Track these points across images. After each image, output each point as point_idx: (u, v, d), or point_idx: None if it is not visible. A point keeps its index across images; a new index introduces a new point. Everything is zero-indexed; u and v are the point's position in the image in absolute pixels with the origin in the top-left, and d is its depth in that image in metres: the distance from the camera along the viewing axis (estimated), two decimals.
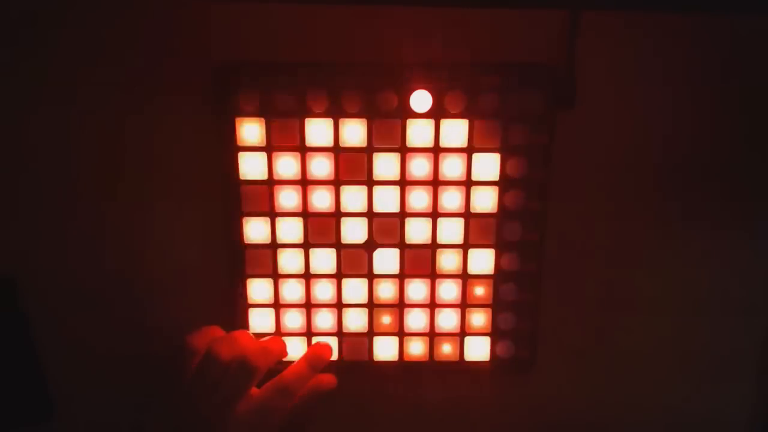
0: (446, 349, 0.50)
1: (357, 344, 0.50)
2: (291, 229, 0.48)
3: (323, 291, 0.49)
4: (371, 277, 0.49)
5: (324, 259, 0.48)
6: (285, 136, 0.46)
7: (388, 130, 0.46)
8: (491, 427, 0.54)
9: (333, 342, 0.50)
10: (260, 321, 0.50)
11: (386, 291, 0.49)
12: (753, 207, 0.50)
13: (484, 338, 0.50)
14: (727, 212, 0.50)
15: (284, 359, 0.47)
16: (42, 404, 0.51)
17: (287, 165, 0.46)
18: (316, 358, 0.48)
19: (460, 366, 0.51)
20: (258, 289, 0.49)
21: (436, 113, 0.45)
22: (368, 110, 0.45)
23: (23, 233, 0.47)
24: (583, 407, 0.54)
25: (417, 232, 0.48)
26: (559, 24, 0.44)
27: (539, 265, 0.49)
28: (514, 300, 0.49)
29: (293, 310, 0.50)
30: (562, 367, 0.52)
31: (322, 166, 0.46)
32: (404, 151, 0.46)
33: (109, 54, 0.45)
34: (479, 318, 0.50)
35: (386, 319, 0.49)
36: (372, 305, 0.49)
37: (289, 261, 0.48)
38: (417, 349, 0.50)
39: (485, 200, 0.47)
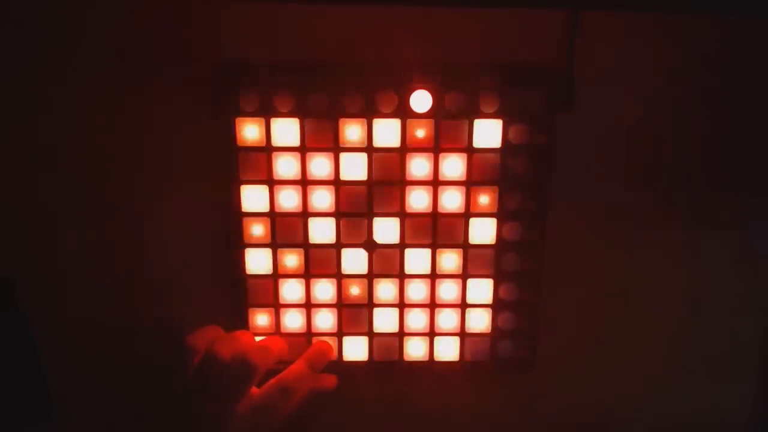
0: (446, 349, 0.50)
1: (357, 344, 0.50)
2: (291, 230, 0.48)
3: (323, 291, 0.49)
4: (371, 277, 0.49)
5: (324, 260, 0.48)
6: (285, 136, 0.46)
7: (387, 130, 0.46)
8: (491, 427, 0.54)
9: (333, 342, 0.50)
10: (260, 321, 0.50)
11: (386, 291, 0.49)
12: (753, 207, 0.50)
13: (483, 338, 0.50)
14: (727, 212, 0.50)
15: (284, 359, 0.48)
16: (42, 404, 0.51)
17: (287, 165, 0.46)
18: (316, 358, 0.48)
19: (460, 366, 0.51)
20: (258, 288, 0.49)
21: (436, 113, 0.45)
22: (368, 110, 0.45)
23: (23, 233, 0.47)
24: (582, 407, 0.54)
25: (417, 232, 0.48)
26: (559, 24, 0.44)
27: (539, 265, 0.49)
28: (514, 300, 0.49)
29: (293, 310, 0.50)
30: (562, 367, 0.52)
31: (322, 167, 0.46)
32: (404, 151, 0.46)
33: (109, 54, 0.45)
34: (479, 318, 0.50)
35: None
36: (372, 305, 0.49)
37: (289, 261, 0.48)
38: (417, 349, 0.50)
39: (485, 200, 0.47)
